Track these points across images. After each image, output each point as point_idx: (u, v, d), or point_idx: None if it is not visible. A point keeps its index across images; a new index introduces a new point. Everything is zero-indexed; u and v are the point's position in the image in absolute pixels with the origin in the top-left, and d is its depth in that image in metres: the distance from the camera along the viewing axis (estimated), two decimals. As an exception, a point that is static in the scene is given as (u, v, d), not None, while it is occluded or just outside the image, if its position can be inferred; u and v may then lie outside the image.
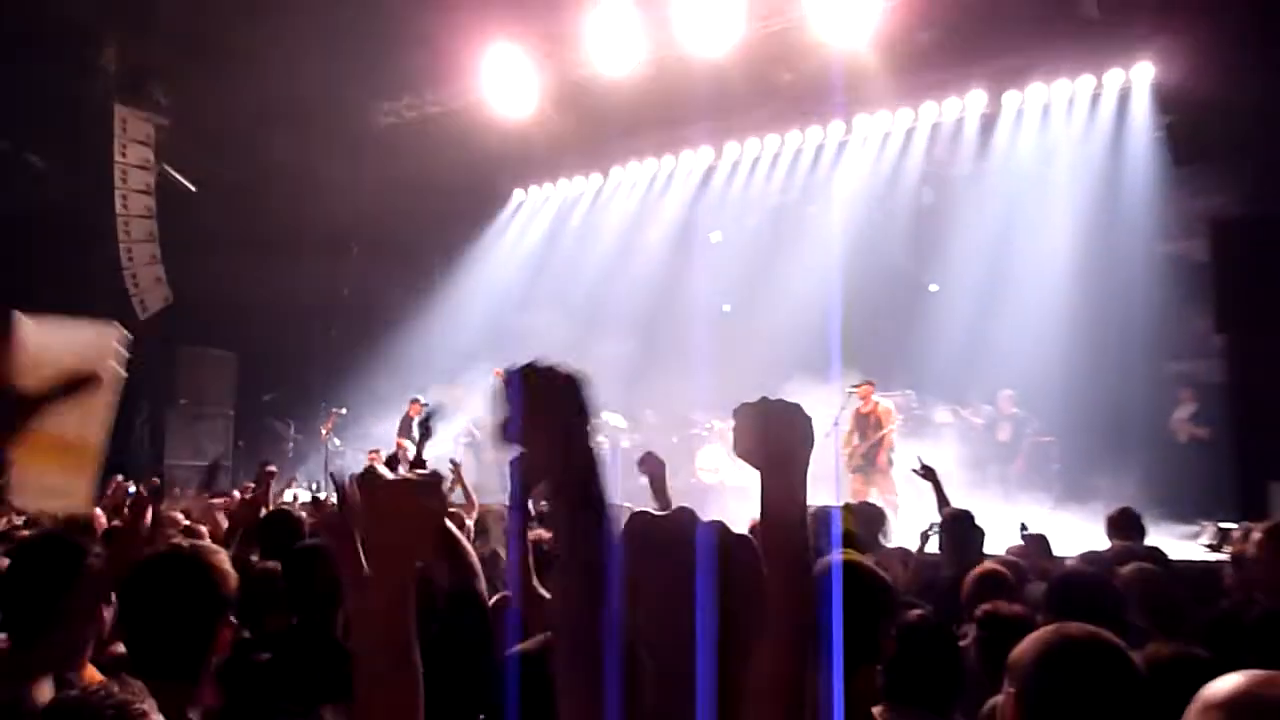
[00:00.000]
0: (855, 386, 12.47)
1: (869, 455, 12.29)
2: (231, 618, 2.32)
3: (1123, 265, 13.46)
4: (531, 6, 13.29)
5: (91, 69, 14.33)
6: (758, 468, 1.74)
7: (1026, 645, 1.94)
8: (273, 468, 6.01)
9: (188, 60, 14.92)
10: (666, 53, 12.97)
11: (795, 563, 1.70)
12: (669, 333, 15.46)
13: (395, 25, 14.84)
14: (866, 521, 5.82)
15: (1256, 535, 4.06)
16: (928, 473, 6.59)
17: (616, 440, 15.93)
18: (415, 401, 14.62)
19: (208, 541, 3.26)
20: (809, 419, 1.78)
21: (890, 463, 12.18)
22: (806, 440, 1.76)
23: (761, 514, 1.74)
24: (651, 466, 4.35)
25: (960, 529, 5.44)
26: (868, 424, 12.43)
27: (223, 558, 2.36)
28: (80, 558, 2.54)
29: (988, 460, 13.24)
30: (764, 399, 1.79)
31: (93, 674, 2.63)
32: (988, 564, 4.27)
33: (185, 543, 2.49)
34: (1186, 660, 2.28)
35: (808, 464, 1.75)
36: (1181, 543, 9.32)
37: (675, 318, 15.66)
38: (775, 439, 1.74)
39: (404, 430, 14.35)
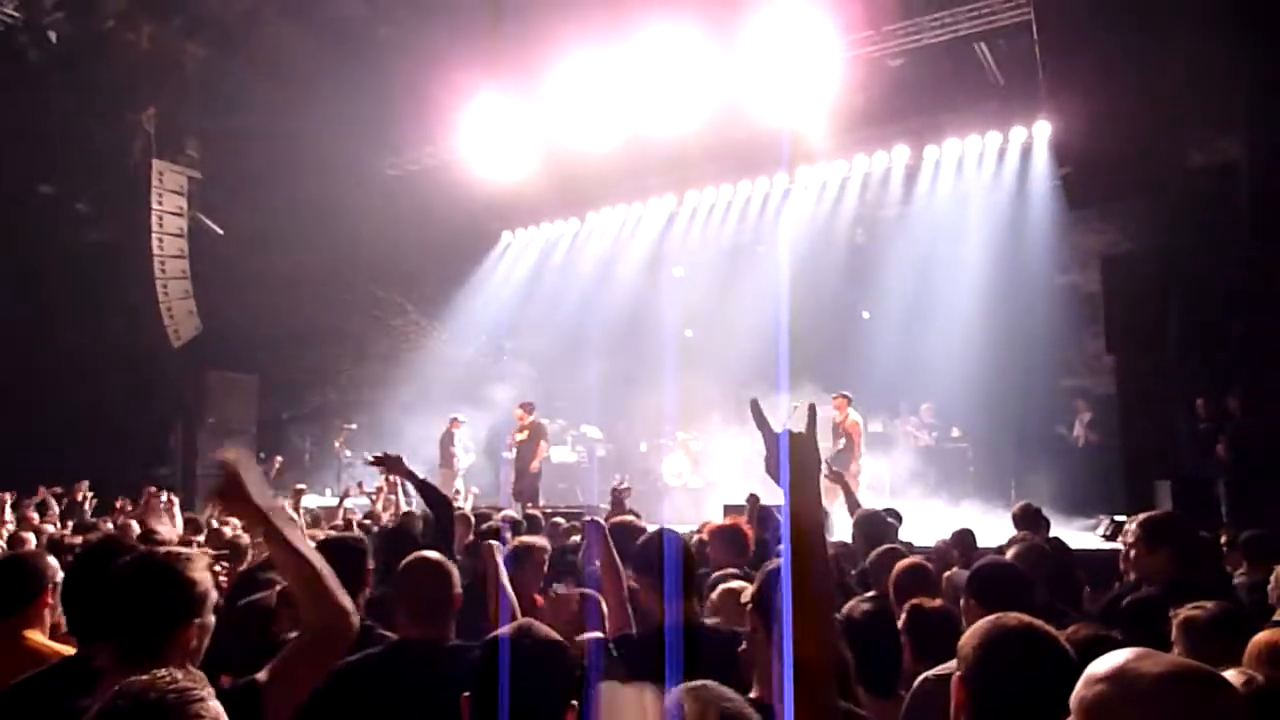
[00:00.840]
0: (834, 397, 12.10)
1: (839, 462, 12.00)
2: (198, 620, 2.15)
3: (1026, 294, 13.65)
4: (519, 76, 13.35)
5: (134, 128, 14.22)
6: (782, 485, 1.84)
7: (970, 635, 1.94)
8: (301, 485, 6.03)
9: (218, 121, 14.86)
10: (635, 114, 13.05)
11: (824, 562, 1.81)
12: (639, 355, 15.51)
13: (399, 90, 14.88)
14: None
15: (1130, 526, 4.07)
16: (836, 477, 6.26)
17: (594, 450, 15.95)
18: (455, 420, 14.33)
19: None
20: (817, 447, 1.90)
21: (858, 470, 11.90)
22: (818, 463, 1.88)
23: (792, 522, 1.81)
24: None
25: (869, 526, 5.25)
26: (837, 433, 12.20)
27: (195, 565, 2.19)
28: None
29: (913, 464, 13.35)
30: (786, 430, 1.87)
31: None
32: (913, 559, 4.22)
33: (161, 549, 2.32)
34: (1100, 640, 2.32)
35: (819, 481, 1.87)
36: (1082, 534, 9.42)
37: (644, 342, 15.70)
38: (798, 463, 1.85)
39: (445, 445, 14.06)
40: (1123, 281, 11.02)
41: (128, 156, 14.23)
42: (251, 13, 13.81)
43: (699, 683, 1.66)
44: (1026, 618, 1.95)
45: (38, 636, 2.90)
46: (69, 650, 2.81)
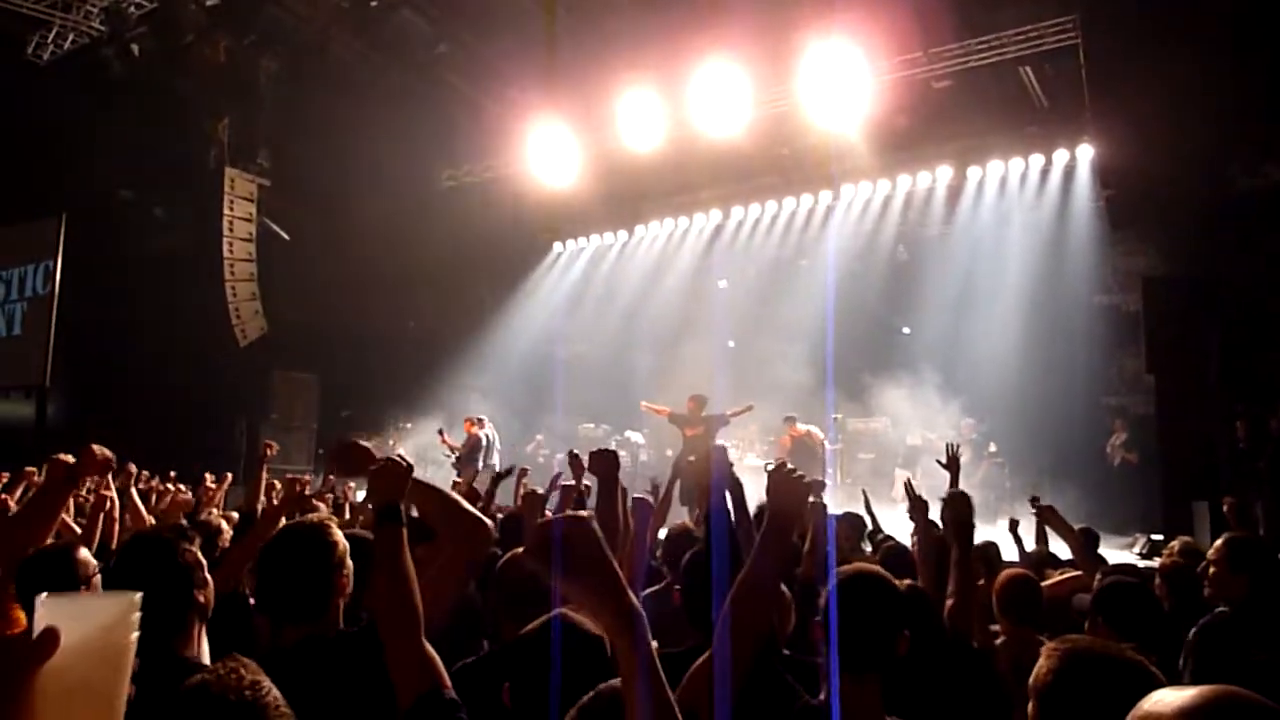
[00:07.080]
0: (785, 420, 12.75)
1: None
2: (345, 573, 2.38)
3: (1067, 313, 13.43)
4: (570, 91, 13.42)
5: (209, 138, 14.55)
6: (773, 512, 2.14)
7: (1045, 662, 1.74)
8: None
9: (288, 133, 15.15)
10: (684, 130, 13.06)
11: (775, 575, 2.13)
12: (682, 363, 15.47)
13: (457, 106, 15.06)
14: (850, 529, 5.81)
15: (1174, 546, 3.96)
16: (951, 460, 5.18)
17: (637, 454, 15.95)
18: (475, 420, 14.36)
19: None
20: (807, 490, 2.19)
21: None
22: (803, 504, 2.20)
23: (763, 536, 2.09)
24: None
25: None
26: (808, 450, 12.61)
27: (335, 528, 2.45)
28: (173, 553, 2.39)
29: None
30: (782, 466, 2.21)
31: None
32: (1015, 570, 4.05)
33: (312, 517, 2.62)
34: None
35: (799, 517, 2.26)
36: (1118, 552, 9.23)
37: (687, 351, 15.67)
38: (787, 498, 2.15)
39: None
40: (1163, 303, 10.77)
41: (202, 164, 14.56)
42: (322, 31, 14.05)
43: None
44: (1098, 640, 1.81)
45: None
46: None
